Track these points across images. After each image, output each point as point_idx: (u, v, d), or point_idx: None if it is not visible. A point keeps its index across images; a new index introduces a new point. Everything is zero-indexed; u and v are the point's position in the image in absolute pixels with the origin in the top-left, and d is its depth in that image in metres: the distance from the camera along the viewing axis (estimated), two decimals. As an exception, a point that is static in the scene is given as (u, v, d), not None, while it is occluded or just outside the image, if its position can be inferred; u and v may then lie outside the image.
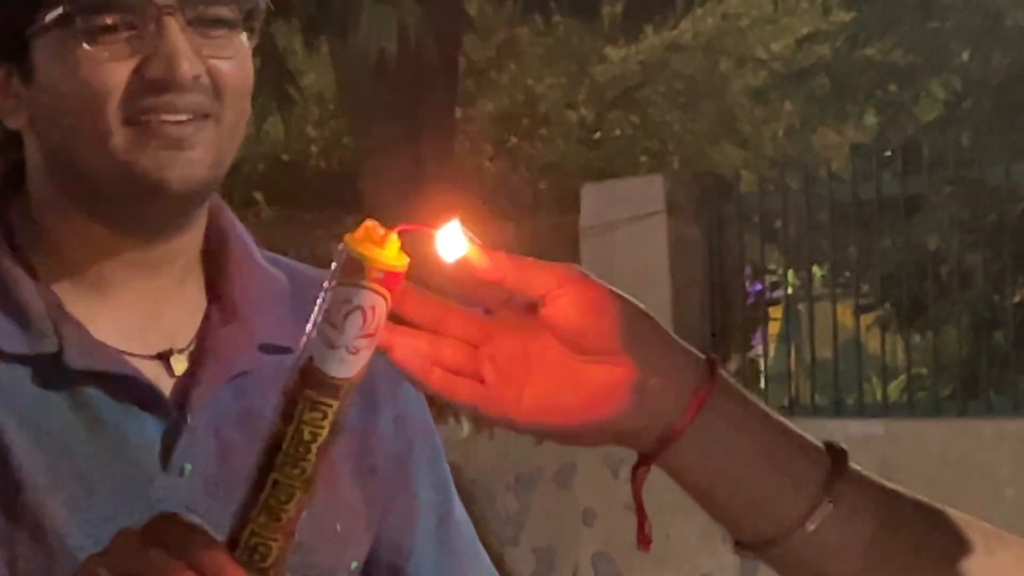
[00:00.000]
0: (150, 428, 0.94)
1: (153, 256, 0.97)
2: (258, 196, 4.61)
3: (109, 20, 0.91)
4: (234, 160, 0.99)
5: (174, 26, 0.91)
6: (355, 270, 0.63)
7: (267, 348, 0.98)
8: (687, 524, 4.13)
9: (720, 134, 9.54)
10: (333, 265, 0.64)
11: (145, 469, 0.92)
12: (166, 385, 0.95)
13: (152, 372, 0.95)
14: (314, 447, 0.66)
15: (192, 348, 0.98)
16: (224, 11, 0.94)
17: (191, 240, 0.99)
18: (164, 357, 0.97)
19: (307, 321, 0.66)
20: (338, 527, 1.00)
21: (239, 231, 1.06)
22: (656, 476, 0.63)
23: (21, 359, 0.92)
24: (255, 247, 1.06)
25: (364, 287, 0.63)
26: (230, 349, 0.98)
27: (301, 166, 5.33)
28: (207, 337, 0.98)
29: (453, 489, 1.18)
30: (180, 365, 0.97)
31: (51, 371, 0.93)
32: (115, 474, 0.85)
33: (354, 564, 1.05)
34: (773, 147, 8.75)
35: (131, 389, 0.94)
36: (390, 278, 0.63)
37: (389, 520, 1.08)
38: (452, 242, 0.63)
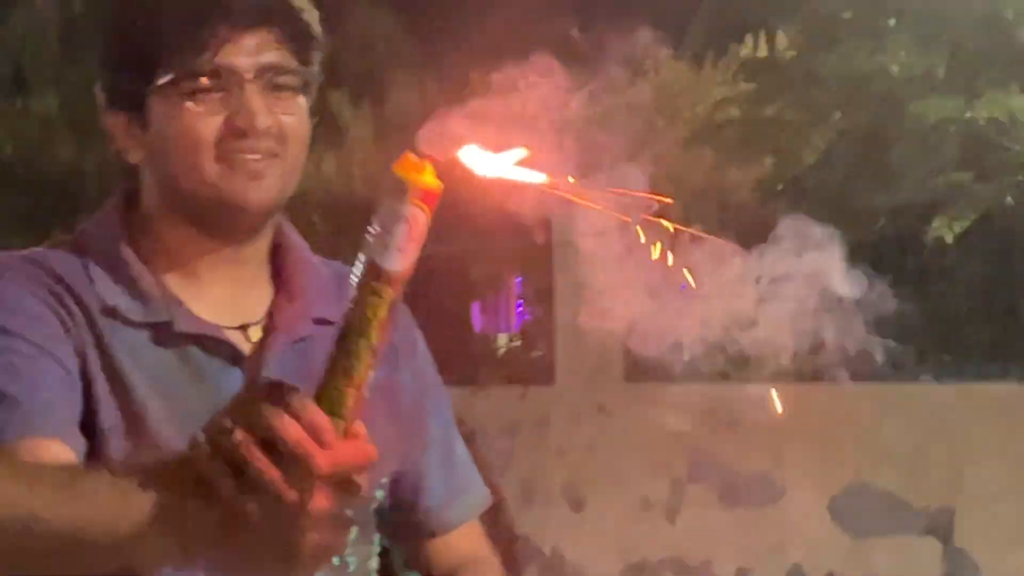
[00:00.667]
0: (235, 379, 1.10)
1: (235, 255, 1.14)
2: (316, 217, 5.70)
3: (205, 84, 1.07)
4: (297, 190, 1.14)
5: (253, 90, 1.07)
6: (401, 190, 0.74)
7: (319, 321, 1.13)
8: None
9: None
10: (386, 188, 0.75)
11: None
12: (245, 348, 1.12)
13: (235, 338, 1.12)
14: (375, 322, 0.75)
15: (263, 322, 1.15)
16: (289, 80, 1.11)
17: (262, 244, 1.16)
18: (243, 328, 1.14)
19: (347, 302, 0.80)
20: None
21: (296, 238, 1.22)
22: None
23: (143, 326, 1.09)
24: (308, 250, 1.23)
25: (408, 202, 0.73)
26: (292, 322, 1.15)
27: (348, 195, 6.36)
28: (275, 313, 1.15)
29: (455, 430, 1.34)
30: (255, 334, 1.14)
31: (165, 335, 1.10)
32: (210, 411, 0.87)
33: (380, 493, 1.22)
34: (694, 181, 10.15)
35: (222, 349, 1.11)
36: (428, 196, 0.74)
37: (409, 452, 1.25)
38: (473, 159, 0.75)
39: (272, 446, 0.72)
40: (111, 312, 1.09)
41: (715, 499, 5.00)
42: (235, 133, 1.08)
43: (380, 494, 1.22)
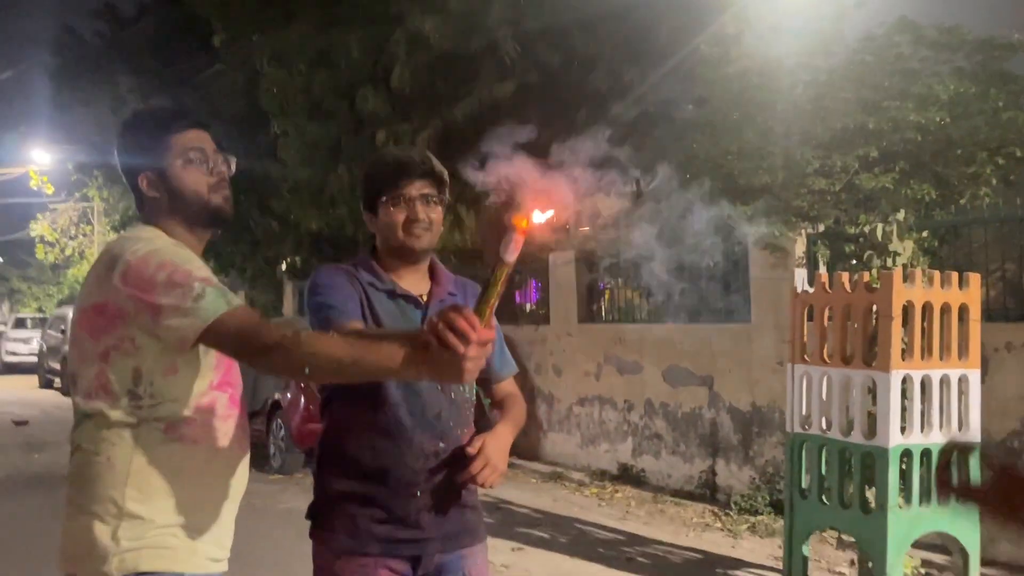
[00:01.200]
0: (417, 314, 2.42)
1: (414, 267, 2.43)
2: (452, 257, 11.22)
3: (400, 200, 2.37)
4: (440, 243, 2.87)
5: (418, 203, 2.38)
6: (513, 228, 1.68)
7: (449, 295, 2.46)
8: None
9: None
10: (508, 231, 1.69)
11: (418, 325, 2.35)
12: (422, 302, 2.43)
13: (419, 297, 2.43)
14: (499, 281, 1.73)
15: (427, 293, 2.44)
16: (434, 198, 2.40)
17: (425, 263, 2.45)
18: (420, 295, 2.42)
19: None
20: None
21: (437, 261, 2.52)
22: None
23: (382, 290, 2.40)
24: (443, 266, 2.52)
25: (515, 232, 1.69)
26: (439, 294, 2.45)
27: (468, 246, 12.13)
28: (432, 290, 2.45)
29: (502, 336, 2.57)
30: (424, 298, 2.42)
31: (390, 294, 2.40)
32: (406, 326, 2.34)
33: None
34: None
35: (413, 301, 2.42)
36: (521, 231, 1.69)
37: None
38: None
39: (454, 328, 1.64)
40: (369, 284, 2.37)
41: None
42: (409, 220, 2.37)
43: None
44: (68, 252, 29.71)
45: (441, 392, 2.41)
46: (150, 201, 2.12)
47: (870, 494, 5.15)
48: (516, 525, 7.65)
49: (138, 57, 18.20)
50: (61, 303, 30.30)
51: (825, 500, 5.40)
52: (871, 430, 5.15)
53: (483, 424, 2.51)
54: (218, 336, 1.90)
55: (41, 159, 26.39)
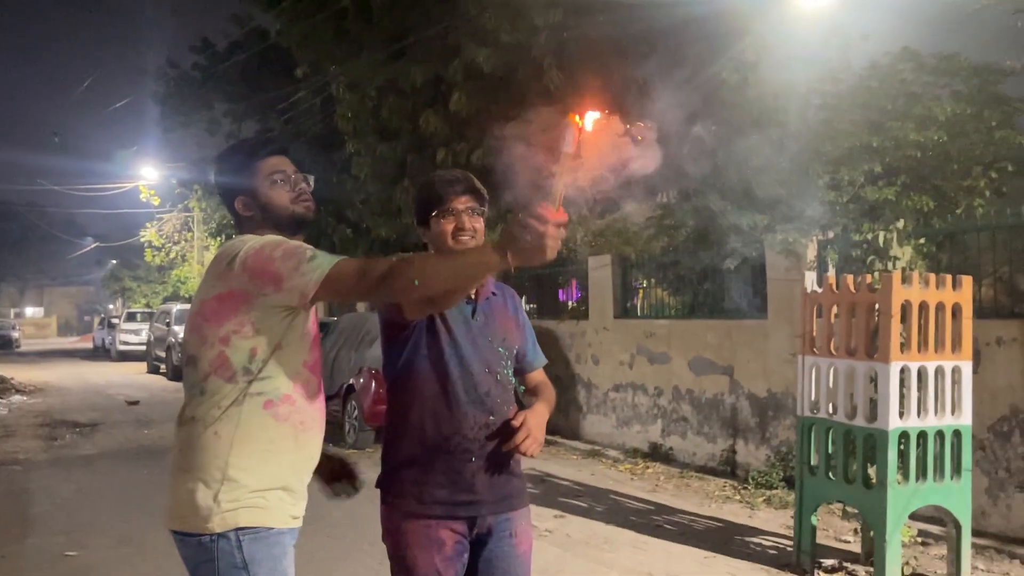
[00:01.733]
0: (468, 308, 2.53)
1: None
2: None
3: (448, 213, 2.44)
4: None
5: (464, 215, 2.46)
6: (569, 124, 1.84)
7: (492, 294, 2.59)
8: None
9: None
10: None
11: (468, 318, 2.51)
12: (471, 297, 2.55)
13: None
14: (563, 171, 1.85)
15: (474, 292, 2.53)
16: (478, 210, 2.49)
17: None
18: (473, 295, 2.53)
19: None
20: (509, 345, 2.53)
21: None
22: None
23: None
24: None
25: (571, 126, 1.85)
26: (484, 293, 2.57)
27: None
28: (478, 290, 2.54)
29: (533, 330, 2.76)
30: (473, 295, 2.53)
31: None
32: (462, 320, 2.50)
33: (508, 365, 2.59)
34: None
35: (468, 299, 2.54)
36: (576, 126, 1.87)
37: (522, 338, 2.65)
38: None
39: (535, 214, 1.79)
40: None
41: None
42: (457, 228, 2.44)
43: (509, 362, 2.57)
44: (172, 255, 30.31)
45: (489, 374, 2.48)
46: (246, 219, 2.25)
47: (872, 471, 5.14)
48: (559, 495, 7.71)
49: (231, 86, 18.55)
50: (166, 300, 30.90)
51: (831, 476, 5.40)
52: (872, 414, 5.13)
53: (520, 408, 2.58)
54: (338, 279, 1.99)
55: (149, 175, 27.00)
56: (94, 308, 59.72)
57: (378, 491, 2.56)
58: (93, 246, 45.92)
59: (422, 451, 2.46)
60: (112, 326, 32.35)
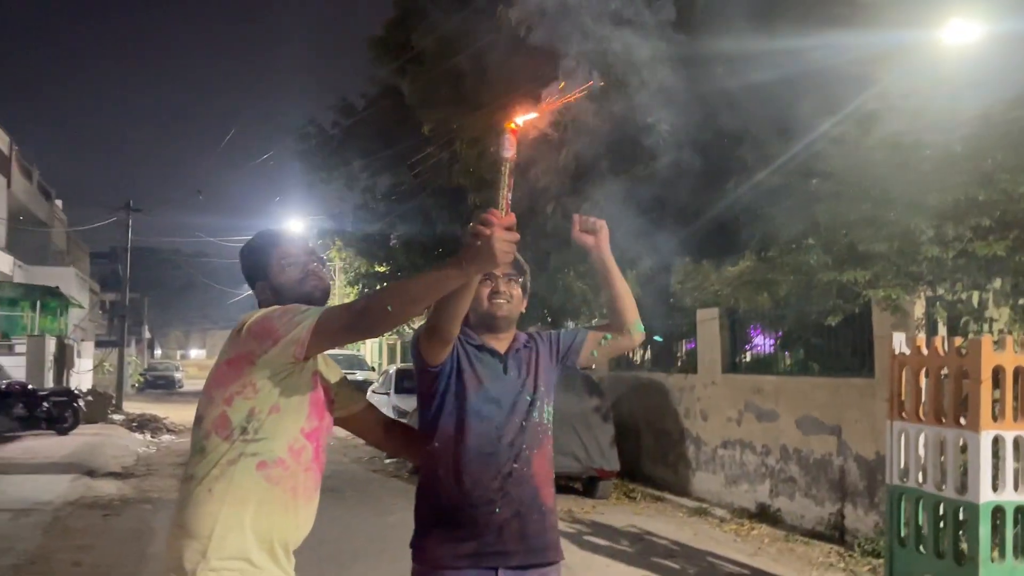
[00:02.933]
0: (497, 362, 2.65)
1: (498, 336, 2.68)
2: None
3: (488, 279, 2.64)
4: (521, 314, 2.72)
5: (500, 279, 2.66)
6: (507, 131, 2.06)
7: (522, 347, 2.70)
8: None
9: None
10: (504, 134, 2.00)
11: (500, 373, 2.63)
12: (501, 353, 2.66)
13: (499, 351, 2.66)
14: (506, 176, 2.05)
15: (504, 350, 2.68)
16: (514, 276, 2.69)
17: (508, 334, 2.70)
18: (500, 350, 2.67)
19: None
20: (543, 394, 2.66)
21: (519, 333, 2.75)
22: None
23: (475, 345, 2.65)
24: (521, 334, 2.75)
25: (508, 133, 2.05)
26: (514, 348, 2.69)
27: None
28: (509, 346, 2.70)
29: None
30: (502, 351, 2.67)
31: (481, 348, 2.65)
32: (493, 375, 2.60)
33: (541, 407, 2.67)
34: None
35: (496, 354, 2.66)
36: (512, 131, 2.06)
37: (551, 378, 2.73)
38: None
39: (481, 220, 2.01)
40: (466, 341, 2.64)
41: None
42: (494, 292, 2.65)
43: (547, 405, 2.68)
44: (316, 302, 31.65)
45: (515, 423, 2.54)
46: (263, 301, 2.44)
47: (965, 546, 4.84)
48: (652, 555, 7.57)
49: (367, 142, 19.39)
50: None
51: (922, 549, 5.11)
52: (964, 485, 4.85)
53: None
54: (327, 322, 2.14)
55: (293, 226, 28.52)
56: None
57: (409, 550, 2.60)
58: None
59: (448, 507, 2.51)
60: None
